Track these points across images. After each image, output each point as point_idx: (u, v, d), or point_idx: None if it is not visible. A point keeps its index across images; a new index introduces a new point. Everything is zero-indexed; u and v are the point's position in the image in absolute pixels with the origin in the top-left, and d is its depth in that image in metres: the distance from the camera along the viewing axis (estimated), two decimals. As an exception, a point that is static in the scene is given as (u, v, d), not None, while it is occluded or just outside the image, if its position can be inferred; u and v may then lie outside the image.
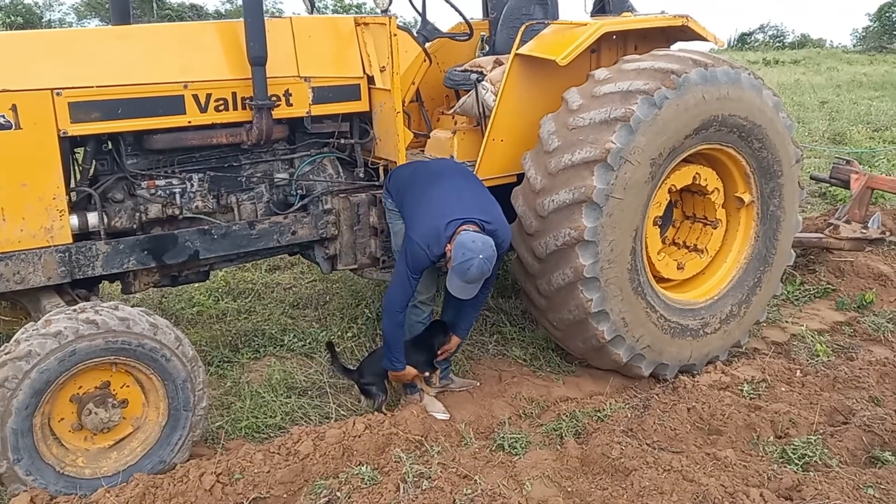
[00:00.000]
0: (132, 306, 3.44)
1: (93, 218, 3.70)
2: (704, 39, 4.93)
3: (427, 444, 3.65)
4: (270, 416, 4.06)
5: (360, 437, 3.59)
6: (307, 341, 4.91)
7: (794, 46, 44.52)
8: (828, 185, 7.52)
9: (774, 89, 4.63)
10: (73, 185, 3.79)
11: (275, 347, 4.86)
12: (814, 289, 5.93)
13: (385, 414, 3.86)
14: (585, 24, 4.43)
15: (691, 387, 4.21)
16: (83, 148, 3.77)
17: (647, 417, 3.92)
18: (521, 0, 5.27)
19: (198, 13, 38.27)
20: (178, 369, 3.36)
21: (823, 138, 12.30)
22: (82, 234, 3.71)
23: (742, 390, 4.28)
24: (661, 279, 4.63)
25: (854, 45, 44.29)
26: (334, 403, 4.19)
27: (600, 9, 4.95)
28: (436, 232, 3.69)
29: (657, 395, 4.24)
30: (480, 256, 3.55)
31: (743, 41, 47.71)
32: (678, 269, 4.67)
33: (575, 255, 4.01)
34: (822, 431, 3.87)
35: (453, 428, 3.89)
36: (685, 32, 4.84)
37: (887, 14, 42.08)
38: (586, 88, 4.24)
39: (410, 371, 4.02)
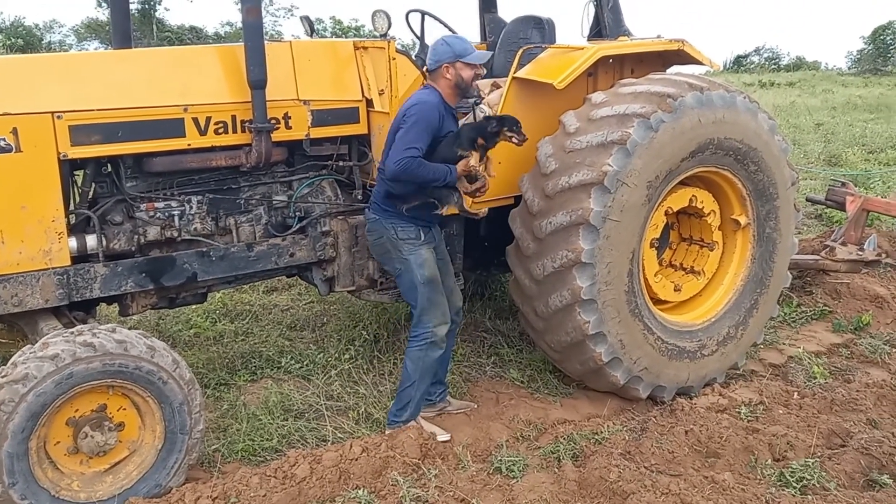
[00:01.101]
0: (129, 328, 3.44)
1: (91, 240, 3.71)
2: (700, 63, 4.98)
3: (424, 467, 3.63)
4: (267, 439, 4.05)
5: (356, 460, 3.58)
6: (304, 363, 4.90)
7: (789, 69, 44.91)
8: (824, 206, 7.55)
9: (770, 111, 4.67)
10: (72, 207, 3.80)
11: (272, 369, 4.85)
12: (810, 311, 5.94)
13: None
14: (582, 48, 4.47)
15: (689, 409, 4.21)
16: (83, 170, 3.79)
17: (644, 440, 3.91)
18: (518, 24, 5.34)
19: (198, 35, 38.54)
20: (174, 392, 3.36)
21: (819, 160, 12.37)
22: (80, 257, 3.72)
23: (740, 413, 4.28)
24: (658, 301, 4.64)
25: (849, 68, 44.67)
26: (331, 426, 4.18)
27: (597, 33, 5.00)
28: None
29: (655, 417, 4.24)
30: None
31: (739, 63, 48.10)
32: (675, 291, 4.68)
33: (572, 277, 4.02)
34: (819, 454, 3.87)
35: (450, 451, 3.87)
36: (681, 56, 4.89)
37: (881, 37, 42.49)
38: (583, 112, 4.28)
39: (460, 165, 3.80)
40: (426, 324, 3.94)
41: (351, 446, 3.66)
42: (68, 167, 3.66)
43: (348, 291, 4.51)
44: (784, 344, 5.40)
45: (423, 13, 5.16)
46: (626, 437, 4.03)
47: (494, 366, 4.97)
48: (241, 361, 4.94)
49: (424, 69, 4.05)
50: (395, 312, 5.55)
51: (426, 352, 3.95)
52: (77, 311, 3.85)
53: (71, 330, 3.29)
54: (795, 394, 4.54)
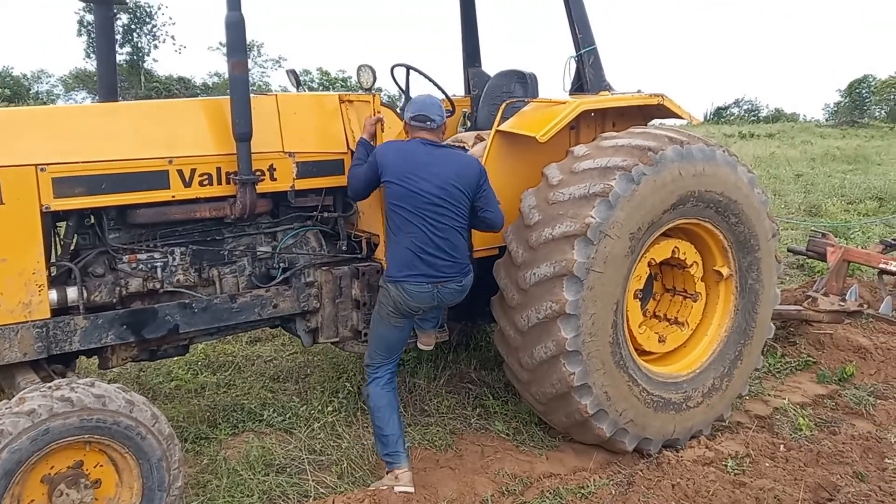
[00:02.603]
0: (109, 381, 3.39)
1: (72, 292, 3.67)
2: (680, 117, 5.07)
3: (408, 523, 3.57)
4: (247, 496, 3.96)
5: (339, 516, 3.51)
6: (287, 416, 4.83)
7: (768, 120, 45.84)
8: (805, 257, 7.63)
9: (751, 162, 4.76)
10: (53, 259, 3.78)
11: (253, 423, 4.78)
12: (794, 361, 5.95)
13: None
14: (565, 102, 4.54)
15: (675, 462, 4.18)
16: (65, 222, 3.77)
17: (631, 494, 3.87)
18: (502, 78, 5.43)
19: (186, 86, 38.89)
20: (153, 448, 3.29)
21: (799, 211, 12.55)
22: (61, 309, 3.67)
23: (726, 466, 4.24)
24: (642, 352, 4.63)
25: (826, 120, 45.71)
26: (313, 481, 4.10)
27: (579, 87, 5.09)
28: None
29: (641, 470, 4.20)
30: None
31: (719, 115, 49.07)
32: (659, 342, 4.68)
33: (556, 329, 4.02)
34: (807, 508, 3.83)
35: (435, 506, 3.81)
36: (661, 110, 4.98)
37: (857, 90, 43.58)
38: (566, 164, 4.33)
39: None
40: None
41: (333, 502, 3.59)
42: (51, 219, 3.65)
43: (332, 343, 4.48)
44: (769, 395, 5.40)
45: (409, 67, 5.24)
46: (613, 492, 3.98)
47: (480, 418, 4.92)
48: (222, 414, 4.86)
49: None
50: (379, 364, 5.50)
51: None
52: (56, 364, 3.79)
53: (48, 384, 3.23)
54: (782, 446, 4.52)
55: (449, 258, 3.85)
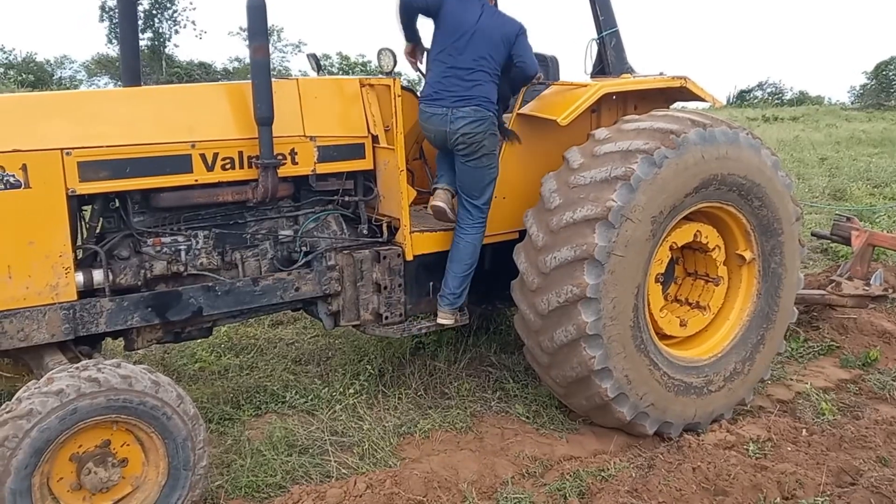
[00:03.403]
0: (134, 363, 3.45)
1: (98, 275, 3.73)
2: (703, 100, 5.03)
3: (429, 504, 3.60)
4: (271, 475, 4.02)
5: (361, 496, 3.55)
6: (309, 398, 4.88)
7: (792, 103, 45.23)
8: (829, 241, 7.55)
9: (774, 146, 4.72)
10: (79, 242, 3.83)
11: (276, 404, 4.83)
12: (818, 346, 5.90)
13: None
14: (586, 86, 4.52)
15: (696, 446, 4.17)
16: (91, 206, 3.82)
17: (651, 477, 3.87)
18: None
19: (207, 71, 39.06)
20: (178, 428, 3.34)
21: (824, 195, 12.39)
22: (87, 292, 3.73)
23: (748, 450, 4.23)
24: (663, 336, 4.62)
25: (852, 103, 45.01)
26: (335, 462, 4.15)
27: (600, 70, 5.05)
28: None
29: (662, 454, 4.20)
30: None
31: (742, 98, 48.48)
32: (681, 326, 4.66)
33: (577, 312, 4.02)
34: (829, 493, 3.82)
35: (455, 487, 3.84)
36: (683, 93, 4.94)
37: (884, 72, 42.85)
38: (587, 148, 4.31)
39: None
40: (485, 213, 4.43)
41: (355, 482, 3.64)
42: (76, 203, 3.70)
43: (353, 326, 4.51)
44: (791, 380, 5.36)
45: (428, 50, 5.22)
46: (633, 474, 3.99)
47: (500, 401, 4.94)
48: (245, 396, 4.92)
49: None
50: (399, 347, 5.54)
51: (482, 236, 4.45)
52: (82, 345, 3.86)
53: (76, 365, 3.29)
54: (804, 430, 4.50)
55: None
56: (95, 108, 3.74)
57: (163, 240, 3.95)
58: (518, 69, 4.34)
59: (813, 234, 7.49)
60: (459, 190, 4.43)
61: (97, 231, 3.86)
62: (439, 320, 4.52)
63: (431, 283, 4.58)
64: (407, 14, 4.40)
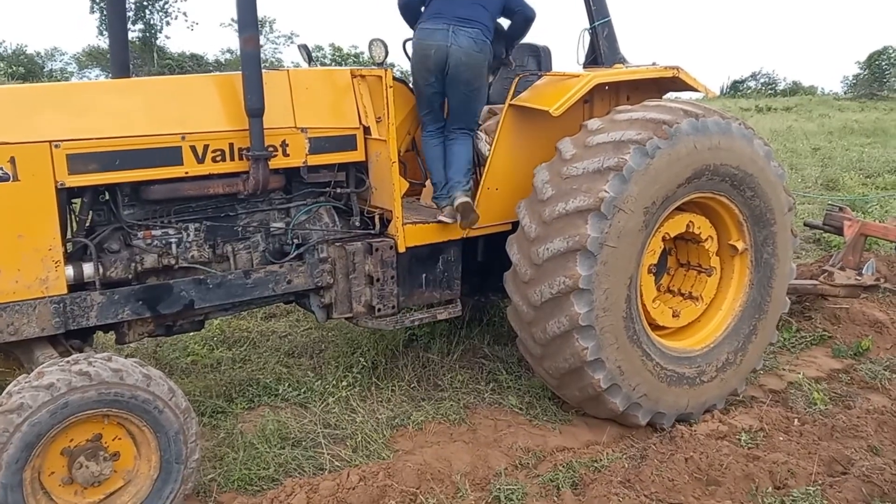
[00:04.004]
0: (126, 356, 3.43)
1: (88, 268, 3.70)
2: (695, 90, 5.02)
3: (422, 496, 3.61)
4: (263, 468, 4.01)
5: (354, 489, 3.55)
6: (302, 391, 4.87)
7: (785, 94, 45.25)
8: (822, 231, 7.56)
9: (767, 136, 4.72)
10: (69, 235, 3.80)
11: (269, 397, 4.82)
12: (810, 336, 5.92)
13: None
14: (578, 76, 4.51)
15: (689, 436, 4.18)
16: (80, 199, 3.79)
17: (644, 468, 3.88)
18: (515, 52, 5.37)
19: (198, 63, 38.82)
20: (170, 421, 3.33)
21: (816, 185, 12.42)
22: (77, 285, 3.71)
23: (740, 439, 4.25)
24: (656, 327, 4.62)
25: (845, 93, 45.02)
26: (328, 454, 4.14)
27: (593, 60, 5.04)
28: None
29: (654, 444, 4.21)
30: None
31: (735, 88, 48.44)
32: (673, 316, 4.67)
33: (570, 304, 4.02)
34: (821, 482, 3.84)
35: (449, 479, 3.84)
36: (676, 83, 4.93)
37: (877, 62, 42.85)
38: (579, 138, 4.30)
39: None
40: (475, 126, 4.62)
41: (348, 475, 3.64)
42: (66, 195, 3.67)
43: (346, 318, 4.50)
44: (784, 370, 5.38)
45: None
46: (626, 465, 4.00)
47: (493, 392, 4.94)
48: (238, 389, 4.91)
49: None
50: (392, 339, 5.54)
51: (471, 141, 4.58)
52: (73, 339, 3.83)
53: (67, 359, 3.27)
54: (796, 420, 4.51)
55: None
56: (84, 100, 3.71)
57: (153, 233, 3.93)
58: (518, 13, 4.61)
59: (805, 224, 7.51)
60: (452, 119, 4.56)
61: (87, 224, 3.83)
62: (440, 217, 4.49)
63: (424, 275, 4.57)
64: (407, 8, 4.59)
